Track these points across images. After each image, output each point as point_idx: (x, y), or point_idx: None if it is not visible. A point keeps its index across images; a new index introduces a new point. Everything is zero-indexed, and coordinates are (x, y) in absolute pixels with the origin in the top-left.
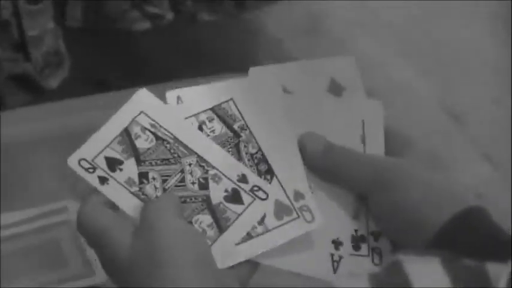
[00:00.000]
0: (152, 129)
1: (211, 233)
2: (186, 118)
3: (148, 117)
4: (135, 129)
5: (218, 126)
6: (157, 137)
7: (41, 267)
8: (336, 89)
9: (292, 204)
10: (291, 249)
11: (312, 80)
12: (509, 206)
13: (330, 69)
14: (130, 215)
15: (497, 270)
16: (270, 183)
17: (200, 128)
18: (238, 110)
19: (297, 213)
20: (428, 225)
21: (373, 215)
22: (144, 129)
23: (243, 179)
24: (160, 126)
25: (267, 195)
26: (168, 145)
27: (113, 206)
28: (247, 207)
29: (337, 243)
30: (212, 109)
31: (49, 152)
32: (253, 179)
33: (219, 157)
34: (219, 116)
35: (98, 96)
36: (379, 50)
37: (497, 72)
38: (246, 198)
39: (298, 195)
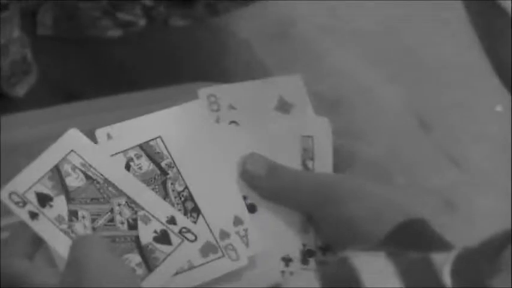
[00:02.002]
0: (82, 169)
1: (139, 271)
2: (114, 154)
3: (79, 156)
4: (66, 167)
5: (146, 164)
6: (87, 177)
7: None
8: (284, 106)
9: (217, 242)
10: (243, 269)
11: (260, 99)
12: (480, 209)
13: (277, 88)
14: (58, 252)
15: (441, 259)
16: (196, 221)
17: (128, 165)
18: (166, 147)
19: (222, 252)
20: (370, 238)
21: (318, 230)
22: (74, 167)
23: (172, 220)
24: (90, 166)
25: (196, 237)
26: (97, 185)
27: (29, 254)
28: (175, 248)
29: (286, 260)
30: (140, 146)
31: None
32: (182, 221)
33: (148, 198)
34: (147, 153)
35: (61, 107)
36: (347, 56)
37: (463, 77)
38: (174, 239)
39: (224, 234)
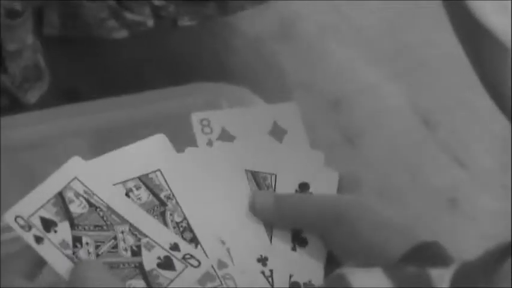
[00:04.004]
0: (85, 196)
1: None
2: (114, 184)
3: (82, 183)
4: (69, 194)
5: (145, 194)
6: (90, 204)
7: None
8: (278, 132)
9: (215, 272)
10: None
11: (254, 124)
12: (483, 209)
13: (272, 114)
14: (63, 277)
15: (439, 274)
16: None
17: (127, 195)
18: (165, 180)
19: (220, 281)
20: (387, 254)
21: (333, 250)
22: (77, 194)
23: (175, 247)
24: (93, 193)
25: (199, 263)
26: (101, 212)
27: (31, 275)
28: (179, 273)
29: (262, 260)
30: (139, 178)
31: None
32: (185, 247)
33: (150, 226)
34: (146, 185)
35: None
36: (350, 55)
37: (466, 76)
38: (178, 265)
39: (222, 264)
